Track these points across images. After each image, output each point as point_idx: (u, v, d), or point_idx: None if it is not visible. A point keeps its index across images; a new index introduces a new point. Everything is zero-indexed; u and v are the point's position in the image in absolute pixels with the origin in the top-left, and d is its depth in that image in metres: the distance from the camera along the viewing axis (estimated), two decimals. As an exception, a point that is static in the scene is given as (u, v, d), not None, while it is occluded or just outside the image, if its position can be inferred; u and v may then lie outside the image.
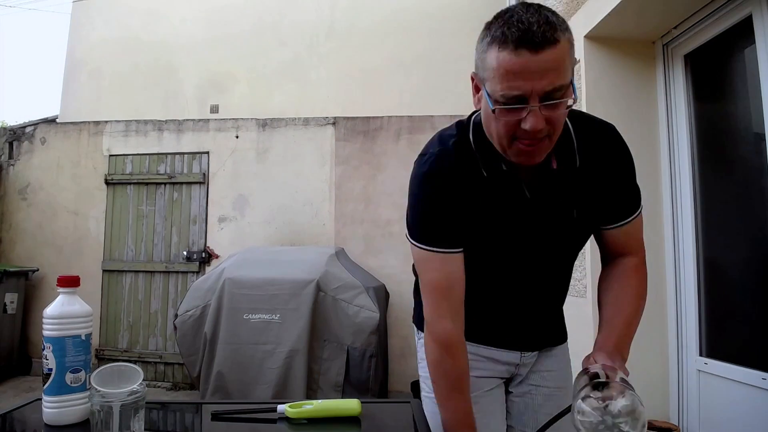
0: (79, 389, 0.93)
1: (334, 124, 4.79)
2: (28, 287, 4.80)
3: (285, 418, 0.99)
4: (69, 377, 0.92)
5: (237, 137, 4.89)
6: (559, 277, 1.19)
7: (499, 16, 0.88)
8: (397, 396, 4.07)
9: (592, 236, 1.18)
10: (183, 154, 4.93)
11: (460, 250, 1.05)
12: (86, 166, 5.03)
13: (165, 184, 4.91)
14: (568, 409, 0.91)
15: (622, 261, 1.12)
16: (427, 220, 1.04)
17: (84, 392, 0.93)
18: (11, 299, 4.54)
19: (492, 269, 1.11)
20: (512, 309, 1.16)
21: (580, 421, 0.79)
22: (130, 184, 4.95)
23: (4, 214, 5.09)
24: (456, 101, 4.35)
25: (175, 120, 5.01)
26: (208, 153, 4.90)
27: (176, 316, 3.55)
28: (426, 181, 1.03)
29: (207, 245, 4.79)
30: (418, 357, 1.26)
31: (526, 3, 0.91)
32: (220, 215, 4.82)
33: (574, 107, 0.99)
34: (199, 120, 5.00)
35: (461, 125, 1.07)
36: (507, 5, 1.06)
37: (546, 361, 1.22)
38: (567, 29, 0.87)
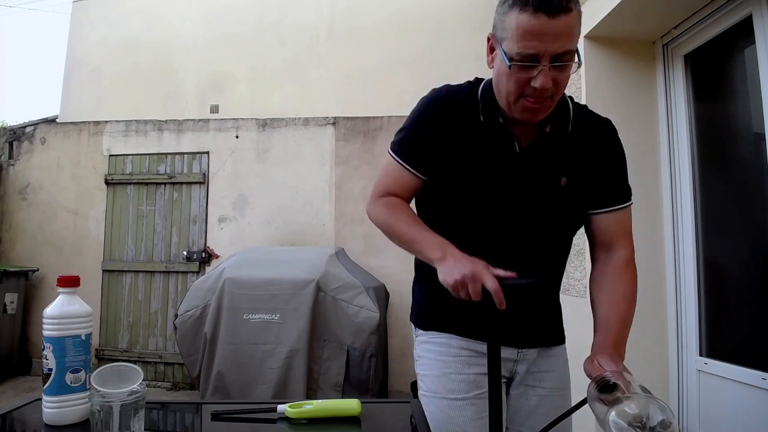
0: (79, 389, 0.93)
1: (334, 124, 4.79)
2: (28, 287, 4.80)
3: (285, 418, 0.99)
4: (69, 377, 0.92)
5: (237, 137, 4.89)
6: (550, 254, 1.18)
7: None
8: (397, 396, 4.07)
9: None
10: (183, 154, 4.93)
11: (422, 178, 1.15)
12: (86, 166, 5.03)
13: (165, 184, 4.90)
14: (570, 411, 0.91)
15: (613, 257, 1.14)
16: (410, 135, 1.16)
17: (84, 392, 0.93)
18: (11, 299, 4.54)
19: (477, 224, 1.12)
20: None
21: None
22: (130, 184, 4.94)
23: (4, 214, 5.09)
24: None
25: (175, 120, 5.01)
26: (208, 153, 4.90)
27: (176, 316, 3.55)
28: (428, 103, 1.16)
29: (207, 245, 4.79)
30: (414, 355, 1.27)
31: None
32: (220, 215, 4.81)
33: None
34: (199, 120, 5.00)
35: (473, 81, 1.18)
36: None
37: (544, 362, 1.22)
38: (578, 2, 0.99)
